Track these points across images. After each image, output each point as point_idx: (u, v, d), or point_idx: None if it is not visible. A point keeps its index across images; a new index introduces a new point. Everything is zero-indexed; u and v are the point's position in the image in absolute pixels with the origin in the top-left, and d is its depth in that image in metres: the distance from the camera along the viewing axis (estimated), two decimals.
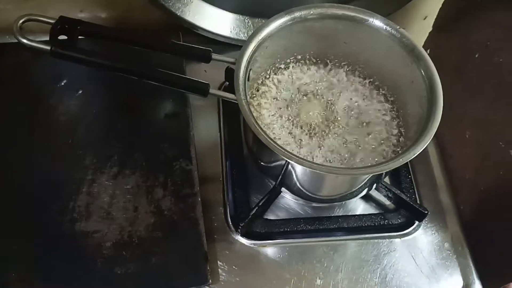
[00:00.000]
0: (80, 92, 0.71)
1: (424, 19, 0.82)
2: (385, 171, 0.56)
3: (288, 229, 0.65)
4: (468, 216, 0.69)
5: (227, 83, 0.72)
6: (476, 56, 0.68)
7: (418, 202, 0.69)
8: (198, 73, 0.74)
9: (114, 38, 0.62)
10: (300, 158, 0.55)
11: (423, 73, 0.61)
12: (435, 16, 0.79)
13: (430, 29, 0.80)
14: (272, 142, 0.55)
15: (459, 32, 0.75)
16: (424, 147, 0.55)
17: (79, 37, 0.60)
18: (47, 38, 0.58)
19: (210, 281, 0.59)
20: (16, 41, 0.57)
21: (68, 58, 0.57)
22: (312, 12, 0.64)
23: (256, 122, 0.56)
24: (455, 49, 0.75)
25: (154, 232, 0.61)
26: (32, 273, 0.58)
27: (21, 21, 0.56)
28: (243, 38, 0.78)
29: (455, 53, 0.74)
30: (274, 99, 0.68)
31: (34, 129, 0.68)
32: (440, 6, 0.77)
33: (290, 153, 0.55)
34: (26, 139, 0.67)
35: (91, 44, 0.67)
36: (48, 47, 0.56)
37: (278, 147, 0.55)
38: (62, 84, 0.71)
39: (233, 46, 0.79)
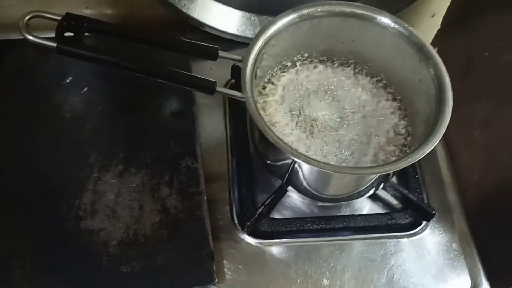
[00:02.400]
0: (86, 89, 0.71)
1: (432, 17, 0.81)
2: (393, 171, 0.55)
3: (295, 228, 0.65)
4: (476, 216, 0.68)
5: (233, 80, 0.71)
6: (486, 55, 0.67)
7: (425, 202, 0.68)
8: (204, 71, 0.74)
9: (120, 35, 0.62)
10: (308, 157, 0.54)
11: (431, 71, 0.61)
12: (443, 14, 0.78)
13: (438, 27, 0.79)
14: (279, 140, 0.54)
15: (467, 31, 0.74)
16: (433, 147, 0.54)
17: (85, 34, 0.59)
18: (52, 34, 0.57)
19: (216, 280, 0.59)
20: (21, 37, 0.56)
21: (74, 55, 0.56)
22: (319, 9, 0.63)
23: (264, 120, 0.55)
24: (463, 47, 0.74)
25: (160, 231, 0.61)
26: (37, 271, 0.58)
27: (27, 18, 0.56)
28: (250, 36, 0.78)
29: (463, 52, 0.74)
30: (280, 97, 0.67)
31: (39, 127, 0.68)
32: (449, 4, 0.76)
33: (298, 151, 0.54)
34: (31, 136, 0.67)
35: (97, 41, 0.67)
36: (54, 44, 0.55)
37: (285, 145, 0.54)
38: (68, 81, 0.71)
39: (239, 43, 0.79)
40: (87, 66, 0.62)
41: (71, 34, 0.57)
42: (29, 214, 0.61)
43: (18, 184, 0.63)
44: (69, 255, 0.59)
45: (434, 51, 0.61)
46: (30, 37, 0.55)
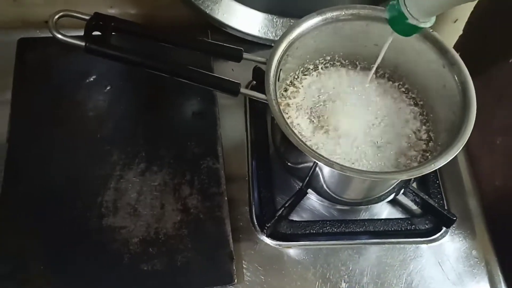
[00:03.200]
0: (109, 88, 0.71)
1: (455, 22, 0.81)
2: (416, 176, 0.55)
3: (314, 231, 0.65)
4: (497, 223, 0.68)
5: (254, 82, 0.72)
6: (510, 61, 0.66)
7: (446, 208, 0.68)
8: (225, 72, 0.74)
9: (145, 35, 0.62)
10: (330, 160, 0.54)
11: (455, 77, 0.61)
12: (465, 20, 0.78)
13: (460, 32, 0.79)
14: (302, 143, 0.54)
15: (489, 36, 0.74)
16: (457, 152, 0.54)
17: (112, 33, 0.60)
18: (77, 33, 0.58)
19: (235, 280, 0.59)
20: (45, 36, 0.57)
21: (102, 54, 0.57)
22: (344, 13, 0.63)
23: (287, 122, 0.55)
24: (485, 53, 0.74)
25: (180, 230, 0.61)
26: (57, 268, 0.59)
27: (57, 17, 0.56)
28: (271, 38, 0.78)
29: (484, 58, 0.73)
30: (302, 99, 0.67)
31: (62, 124, 0.68)
32: (472, 9, 0.76)
33: (320, 154, 0.54)
34: (54, 134, 0.67)
35: (121, 40, 0.68)
36: (82, 43, 0.56)
37: (307, 148, 0.54)
38: (91, 79, 0.72)
39: (260, 45, 0.79)
40: (110, 65, 0.62)
41: (98, 33, 0.58)
42: (50, 211, 0.62)
43: (40, 182, 0.64)
44: (91, 252, 0.60)
45: (458, 57, 0.61)
46: (59, 36, 0.56)
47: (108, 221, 0.61)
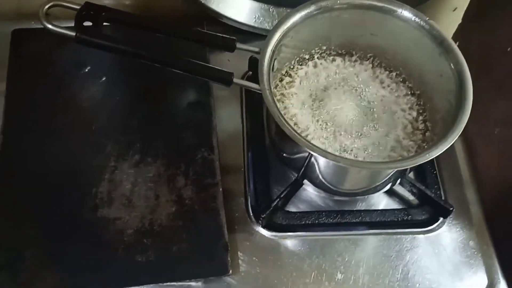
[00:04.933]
0: (104, 79, 0.71)
1: (454, 10, 0.80)
2: (411, 166, 0.55)
3: (309, 222, 0.64)
4: (494, 214, 0.67)
5: (250, 72, 0.71)
6: (508, 50, 0.65)
7: (443, 198, 0.68)
8: (221, 62, 0.74)
9: (138, 25, 0.62)
10: (324, 150, 0.54)
11: (452, 66, 0.60)
12: (465, 8, 0.77)
13: (460, 21, 0.78)
14: (296, 133, 0.54)
15: (488, 25, 0.73)
16: (452, 142, 0.54)
17: (104, 23, 0.60)
18: (71, 24, 0.58)
19: (230, 271, 0.59)
20: (40, 26, 0.57)
21: (93, 44, 0.57)
22: (339, 1, 0.63)
23: (280, 113, 0.55)
24: (484, 42, 0.73)
25: (175, 221, 0.61)
26: (52, 259, 0.58)
27: (47, 7, 0.56)
28: (267, 28, 0.77)
29: (483, 47, 0.72)
30: (297, 90, 0.67)
31: (57, 115, 0.68)
32: None
33: (314, 145, 0.54)
34: (49, 125, 0.67)
35: (115, 31, 0.67)
36: (73, 33, 0.56)
37: (302, 139, 0.54)
38: (86, 70, 0.71)
39: (256, 35, 0.78)
40: (106, 56, 0.62)
41: (90, 23, 0.58)
42: (45, 202, 0.62)
43: (35, 173, 0.64)
44: (85, 243, 0.59)
45: (455, 46, 0.60)
46: (50, 26, 0.55)
47: (102, 212, 0.61)
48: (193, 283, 0.59)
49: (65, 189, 0.63)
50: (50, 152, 0.65)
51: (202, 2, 0.74)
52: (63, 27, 0.56)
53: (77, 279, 0.58)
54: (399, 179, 0.65)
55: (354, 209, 0.66)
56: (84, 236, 0.60)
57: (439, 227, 0.66)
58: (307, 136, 0.62)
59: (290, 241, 0.64)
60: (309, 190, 0.67)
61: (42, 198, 0.62)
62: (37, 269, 0.57)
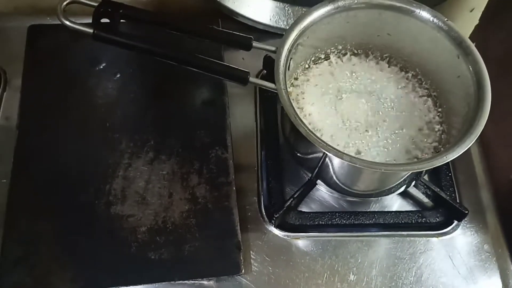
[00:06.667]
0: (118, 76, 0.71)
1: (471, 11, 0.79)
2: (427, 168, 0.54)
3: (323, 223, 0.64)
4: (510, 217, 0.67)
5: (265, 71, 0.71)
6: None
7: (458, 201, 0.67)
8: (236, 61, 0.74)
9: (155, 22, 0.62)
10: (339, 151, 0.53)
11: (470, 68, 0.59)
12: (482, 9, 0.76)
13: (477, 22, 0.77)
14: (311, 133, 0.54)
15: (506, 26, 0.72)
16: (469, 145, 0.53)
17: (121, 20, 0.60)
18: (87, 20, 0.58)
19: (243, 271, 0.59)
20: (55, 23, 0.57)
21: (110, 41, 0.57)
22: (356, 1, 0.62)
23: (296, 113, 0.55)
24: (502, 43, 0.72)
25: (188, 219, 0.61)
26: (65, 254, 0.59)
27: (65, 3, 0.56)
28: (283, 26, 0.77)
29: (501, 48, 0.71)
30: (313, 89, 0.66)
31: (71, 111, 0.68)
32: None
33: (329, 145, 0.53)
34: (64, 121, 0.67)
35: (131, 28, 0.67)
36: (90, 30, 0.56)
37: (317, 139, 0.53)
38: (101, 67, 0.71)
39: (271, 34, 0.78)
40: (121, 53, 0.62)
41: (107, 20, 0.58)
42: (59, 198, 0.62)
43: (49, 168, 0.64)
44: (98, 239, 0.60)
45: (473, 47, 0.60)
46: (67, 23, 0.56)
47: (116, 209, 0.61)
48: (205, 282, 0.59)
49: (78, 185, 0.63)
50: (64, 148, 0.65)
51: (218, 0, 0.74)
52: (80, 24, 0.56)
53: (91, 275, 0.58)
54: (414, 181, 0.65)
55: (368, 210, 0.66)
56: (98, 232, 0.60)
57: (453, 230, 0.65)
58: (321, 136, 0.62)
59: (303, 242, 0.64)
60: (322, 190, 0.67)
61: (56, 194, 0.62)
62: (53, 262, 0.58)
